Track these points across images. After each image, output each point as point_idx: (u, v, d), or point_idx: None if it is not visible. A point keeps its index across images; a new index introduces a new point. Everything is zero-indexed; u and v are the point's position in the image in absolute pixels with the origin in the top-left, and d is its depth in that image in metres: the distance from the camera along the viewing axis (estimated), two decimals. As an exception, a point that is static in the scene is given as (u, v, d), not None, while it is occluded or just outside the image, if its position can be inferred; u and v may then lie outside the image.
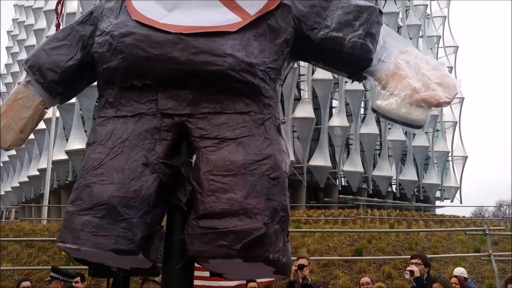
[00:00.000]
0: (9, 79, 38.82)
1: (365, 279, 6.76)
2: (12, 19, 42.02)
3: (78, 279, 6.07)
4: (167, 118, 1.91)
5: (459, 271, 7.16)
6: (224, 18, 1.98)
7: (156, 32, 1.96)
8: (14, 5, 41.28)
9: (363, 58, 1.99)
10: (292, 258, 3.15)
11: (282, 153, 1.88)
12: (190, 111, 1.91)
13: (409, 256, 6.74)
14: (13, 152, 33.74)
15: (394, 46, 2.05)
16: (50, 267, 7.05)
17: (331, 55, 2.06)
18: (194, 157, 1.87)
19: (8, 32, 42.93)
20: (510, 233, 12.63)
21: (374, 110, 1.99)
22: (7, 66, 41.06)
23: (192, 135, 1.89)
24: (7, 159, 35.27)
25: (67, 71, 2.19)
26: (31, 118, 2.21)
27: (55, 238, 2.41)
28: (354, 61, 2.01)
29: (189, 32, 1.92)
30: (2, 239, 11.02)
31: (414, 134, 33.99)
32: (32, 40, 33.50)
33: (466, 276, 7.19)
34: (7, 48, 42.48)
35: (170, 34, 1.93)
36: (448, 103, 1.90)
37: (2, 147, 2.24)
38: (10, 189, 33.77)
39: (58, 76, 2.19)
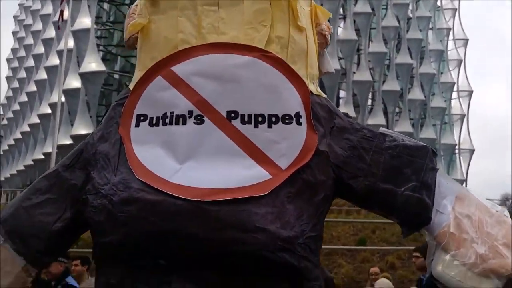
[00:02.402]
0: (16, 64, 38.93)
1: (375, 269, 6.70)
2: (13, 16, 42.24)
3: (77, 261, 5.96)
4: None
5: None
6: (251, 174, 1.59)
7: (168, 197, 1.54)
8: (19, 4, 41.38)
9: (420, 216, 1.70)
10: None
11: None
12: None
13: (413, 247, 6.67)
14: (18, 135, 33.87)
15: (449, 190, 1.75)
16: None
17: (381, 208, 1.76)
18: None
19: (14, 16, 42.96)
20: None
21: (433, 278, 1.73)
22: (13, 50, 41.12)
23: None
24: (13, 142, 35.43)
25: (55, 235, 1.72)
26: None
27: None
28: (409, 218, 1.72)
29: (209, 200, 1.52)
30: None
31: (421, 126, 33.66)
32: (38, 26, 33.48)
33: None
34: (13, 32, 42.49)
35: (185, 201, 1.53)
36: None
37: None
38: (16, 172, 33.93)
39: (44, 245, 1.72)
